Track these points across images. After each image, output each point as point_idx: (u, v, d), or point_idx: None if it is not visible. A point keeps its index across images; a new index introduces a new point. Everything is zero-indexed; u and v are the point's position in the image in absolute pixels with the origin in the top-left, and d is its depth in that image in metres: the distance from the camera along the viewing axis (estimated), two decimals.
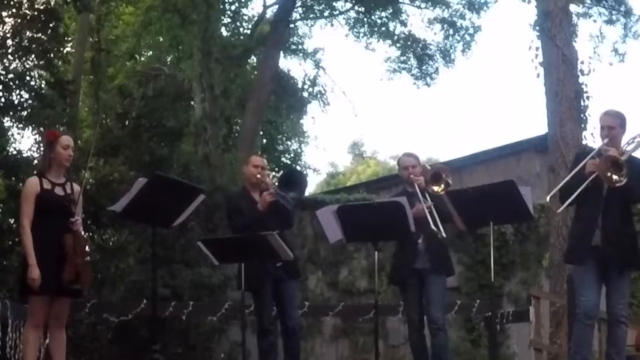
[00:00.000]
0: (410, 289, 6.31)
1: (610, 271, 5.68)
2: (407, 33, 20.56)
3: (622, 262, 5.65)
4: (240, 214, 6.41)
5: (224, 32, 19.70)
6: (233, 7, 20.09)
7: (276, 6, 19.28)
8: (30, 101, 12.37)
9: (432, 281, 6.18)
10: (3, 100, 11.93)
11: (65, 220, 5.64)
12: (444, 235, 5.98)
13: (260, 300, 6.44)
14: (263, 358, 6.40)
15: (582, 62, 10.15)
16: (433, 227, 5.93)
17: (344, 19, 20.81)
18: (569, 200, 5.73)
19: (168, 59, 20.24)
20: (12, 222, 11.17)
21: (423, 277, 6.19)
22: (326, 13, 20.86)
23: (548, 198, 6.58)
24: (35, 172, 6.04)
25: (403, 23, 20.42)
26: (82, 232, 5.89)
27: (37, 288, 5.49)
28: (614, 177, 5.48)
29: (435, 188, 5.97)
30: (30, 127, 12.98)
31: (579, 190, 5.64)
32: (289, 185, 6.38)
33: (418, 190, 6.10)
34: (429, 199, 6.04)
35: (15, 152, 12.54)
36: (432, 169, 6.11)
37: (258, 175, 6.37)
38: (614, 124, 5.75)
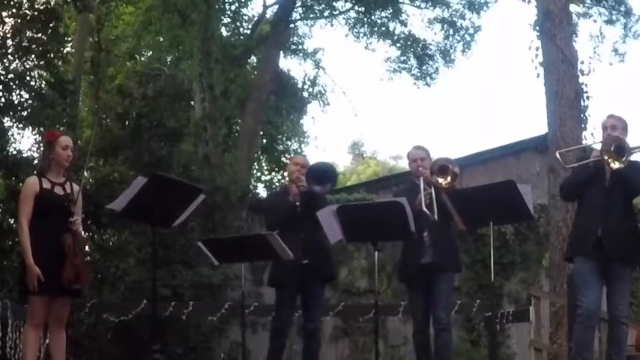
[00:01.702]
0: (416, 288, 6.29)
1: (611, 267, 5.70)
2: (407, 33, 20.57)
3: (622, 255, 5.67)
4: (273, 210, 6.52)
5: (224, 32, 19.70)
6: (233, 7, 20.09)
7: (276, 6, 19.27)
8: (30, 101, 12.36)
9: (438, 280, 6.15)
10: (3, 100, 11.92)
11: (65, 219, 5.65)
12: (436, 217, 5.93)
13: (280, 298, 6.45)
14: (270, 357, 6.42)
15: (582, 62, 10.17)
16: (425, 209, 5.90)
17: (344, 19, 20.82)
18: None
19: (169, 59, 20.24)
20: (12, 222, 11.17)
21: (430, 274, 6.15)
22: (326, 13, 20.86)
23: (557, 153, 6.58)
24: (35, 171, 6.05)
25: (403, 23, 20.43)
26: (82, 232, 5.89)
27: (37, 288, 5.49)
28: (615, 163, 5.52)
29: (440, 180, 5.95)
30: (30, 127, 12.96)
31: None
32: (318, 179, 6.35)
33: (422, 184, 6.07)
34: (433, 191, 6.02)
35: (15, 152, 12.51)
36: (438, 162, 6.08)
37: (297, 173, 6.43)
38: (617, 125, 5.80)
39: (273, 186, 22.86)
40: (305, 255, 6.24)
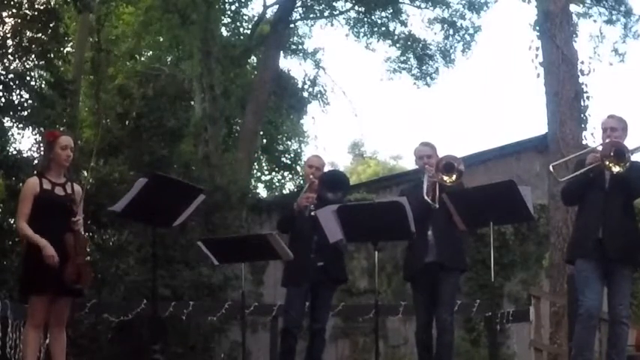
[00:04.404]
0: (420, 287, 6.27)
1: (612, 268, 5.70)
2: (407, 33, 20.57)
3: (623, 256, 5.67)
4: (287, 209, 6.58)
5: (224, 32, 19.70)
6: (233, 7, 20.09)
7: (276, 6, 19.27)
8: (30, 101, 12.34)
9: (443, 280, 6.12)
10: (3, 100, 11.91)
11: (66, 219, 5.65)
12: (437, 206, 5.92)
13: (290, 295, 6.46)
14: (280, 358, 6.45)
15: (582, 62, 10.16)
16: (427, 198, 5.89)
17: (344, 19, 20.82)
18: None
19: (169, 59, 20.24)
20: (12, 222, 11.16)
21: (435, 274, 6.13)
22: (326, 13, 20.86)
23: (551, 167, 6.51)
24: (35, 172, 6.05)
25: (403, 23, 20.43)
26: (83, 232, 5.89)
27: (38, 288, 5.49)
28: (614, 168, 5.53)
29: (445, 178, 5.94)
30: (30, 127, 12.96)
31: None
32: (331, 186, 6.38)
33: (425, 181, 6.05)
34: (437, 188, 6.00)
35: (15, 152, 12.51)
36: (443, 159, 6.07)
37: (311, 176, 6.49)
38: (617, 127, 5.81)
39: (274, 186, 22.89)
40: (319, 257, 6.27)
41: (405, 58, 20.87)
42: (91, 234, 11.74)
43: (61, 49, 13.23)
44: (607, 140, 5.77)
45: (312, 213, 6.27)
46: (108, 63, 17.11)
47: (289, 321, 6.42)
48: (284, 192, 21.89)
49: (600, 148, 5.78)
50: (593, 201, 5.76)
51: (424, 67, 20.76)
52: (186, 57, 18.76)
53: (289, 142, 23.47)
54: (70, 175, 5.92)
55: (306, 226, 6.29)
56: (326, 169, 6.82)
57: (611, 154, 5.58)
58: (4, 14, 12.15)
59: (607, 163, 5.58)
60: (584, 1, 17.34)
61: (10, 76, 11.99)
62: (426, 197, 5.90)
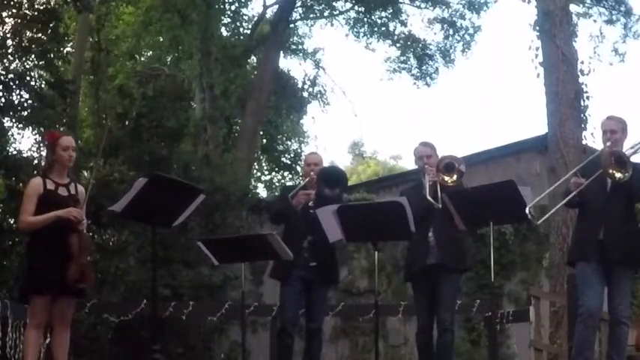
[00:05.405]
0: (421, 288, 6.26)
1: (613, 270, 5.70)
2: (407, 33, 20.60)
3: (624, 258, 5.67)
4: (281, 199, 6.56)
5: (224, 32, 19.72)
6: (233, 7, 20.11)
7: (276, 6, 19.29)
8: (30, 101, 12.36)
9: (443, 281, 6.10)
10: (3, 100, 11.93)
11: (69, 220, 5.65)
12: (439, 205, 5.87)
13: (283, 295, 6.44)
14: (280, 358, 6.43)
15: (582, 62, 10.17)
16: (429, 198, 5.86)
17: (344, 19, 20.86)
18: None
19: (169, 59, 20.25)
20: (12, 222, 11.17)
21: (436, 274, 6.11)
22: (326, 13, 20.89)
23: (527, 210, 5.70)
24: (36, 172, 6.06)
25: (403, 23, 20.46)
26: (86, 233, 5.89)
27: (40, 288, 5.49)
28: (618, 174, 5.53)
29: (446, 178, 5.93)
30: (30, 127, 12.98)
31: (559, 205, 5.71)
32: (329, 183, 6.36)
33: (427, 182, 6.03)
34: (439, 188, 5.99)
35: (15, 152, 12.54)
36: (444, 159, 6.05)
37: (312, 173, 6.44)
38: (616, 128, 5.80)
39: (273, 186, 22.90)
40: (312, 256, 6.27)
41: (404, 58, 20.90)
42: (91, 234, 11.74)
43: (61, 49, 13.26)
44: (607, 143, 5.77)
45: (312, 211, 6.25)
46: (108, 63, 17.14)
47: (285, 320, 6.40)
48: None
49: (580, 180, 5.77)
50: (594, 203, 5.75)
51: (424, 67, 20.79)
52: (186, 57, 18.77)
53: (289, 142, 23.49)
54: (73, 176, 5.93)
55: (301, 224, 6.27)
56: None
57: (612, 162, 5.57)
58: (4, 14, 12.17)
59: (610, 171, 5.56)
60: (584, 1, 17.35)
61: (10, 76, 12.00)
62: (428, 197, 5.88)
